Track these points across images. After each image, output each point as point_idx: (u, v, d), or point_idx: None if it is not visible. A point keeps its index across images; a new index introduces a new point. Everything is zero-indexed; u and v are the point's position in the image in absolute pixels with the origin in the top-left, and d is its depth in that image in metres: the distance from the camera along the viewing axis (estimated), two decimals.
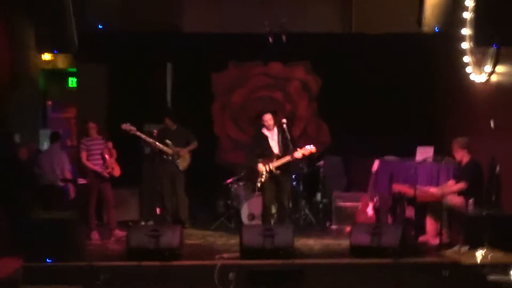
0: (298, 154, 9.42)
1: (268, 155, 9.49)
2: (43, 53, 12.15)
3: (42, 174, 10.88)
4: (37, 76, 13.05)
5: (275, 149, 9.54)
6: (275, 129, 9.62)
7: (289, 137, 9.48)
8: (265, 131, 9.65)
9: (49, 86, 14.52)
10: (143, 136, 10.25)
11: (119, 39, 11.92)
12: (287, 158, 9.40)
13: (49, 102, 14.47)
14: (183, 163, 10.48)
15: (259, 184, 9.55)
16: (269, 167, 9.40)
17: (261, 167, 9.41)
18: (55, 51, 10.83)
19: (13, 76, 10.91)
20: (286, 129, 9.51)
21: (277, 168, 9.44)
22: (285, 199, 9.64)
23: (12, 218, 9.38)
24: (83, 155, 9.95)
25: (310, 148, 9.48)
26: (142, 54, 12.00)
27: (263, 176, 9.44)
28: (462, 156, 9.16)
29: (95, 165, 9.91)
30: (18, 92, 11.23)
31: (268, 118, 9.59)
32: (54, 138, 11.52)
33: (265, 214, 9.70)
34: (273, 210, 10.03)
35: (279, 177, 9.53)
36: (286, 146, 9.43)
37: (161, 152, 10.36)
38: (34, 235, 8.19)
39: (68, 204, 10.92)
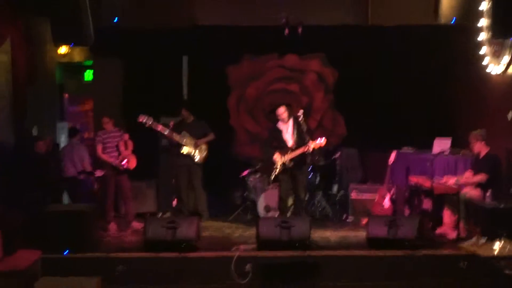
0: (310, 147, 9.41)
1: (283, 148, 9.49)
2: (60, 47, 12.18)
3: (63, 167, 10.96)
4: (53, 70, 13.07)
5: (289, 142, 9.54)
6: (290, 122, 9.60)
7: (305, 128, 9.46)
8: (280, 125, 9.65)
9: (66, 79, 14.56)
10: (160, 127, 10.25)
11: (135, 32, 11.90)
12: (299, 151, 9.40)
13: (66, 95, 14.52)
14: (200, 154, 10.46)
15: (273, 176, 9.56)
16: (283, 159, 9.41)
17: (277, 158, 9.42)
18: (72, 44, 10.84)
19: (30, 70, 10.96)
20: (302, 121, 9.52)
21: (291, 160, 9.43)
22: (301, 191, 9.64)
23: (30, 211, 9.43)
24: (99, 148, 10.00)
25: (319, 142, 9.45)
26: (158, 48, 12.00)
27: (278, 168, 9.45)
28: (479, 148, 9.10)
29: (110, 157, 9.94)
30: (36, 86, 11.28)
31: (282, 111, 9.58)
32: (72, 133, 11.60)
33: (282, 206, 9.70)
34: (290, 202, 10.02)
35: (294, 170, 9.52)
36: (302, 139, 9.42)
37: (178, 143, 10.35)
38: (52, 228, 8.23)
39: (91, 196, 11.02)
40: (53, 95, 13.15)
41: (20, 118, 10.78)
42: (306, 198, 10.31)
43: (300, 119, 9.60)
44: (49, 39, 10.40)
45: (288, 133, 9.59)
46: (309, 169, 10.57)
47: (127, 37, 11.91)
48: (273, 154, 9.49)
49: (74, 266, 8.10)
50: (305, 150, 9.38)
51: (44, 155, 10.38)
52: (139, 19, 11.98)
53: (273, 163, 9.51)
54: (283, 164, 9.44)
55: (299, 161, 9.55)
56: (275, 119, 9.73)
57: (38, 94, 11.52)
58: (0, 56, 10.17)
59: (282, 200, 9.72)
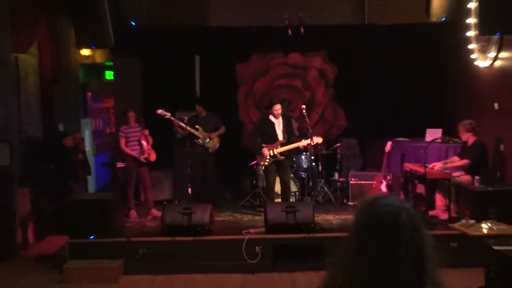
0: (303, 143, 9.49)
1: (273, 141, 9.53)
2: (82, 49, 12.25)
3: None
4: (77, 70, 13.16)
5: (280, 136, 9.58)
6: (280, 118, 9.65)
7: (296, 126, 9.54)
8: (272, 118, 9.68)
9: (89, 79, 14.63)
10: (176, 121, 10.32)
11: (150, 34, 11.97)
12: (292, 146, 9.45)
13: (89, 94, 14.58)
14: (212, 145, 10.53)
15: (263, 167, 9.59)
16: (273, 151, 9.42)
17: (266, 151, 9.46)
18: (93, 47, 10.91)
19: (56, 71, 11.04)
20: (305, 115, 9.59)
21: (281, 154, 9.48)
22: (287, 177, 9.70)
23: (59, 200, 9.54)
24: (122, 141, 10.03)
25: (316, 140, 9.55)
26: (172, 48, 12.05)
27: (267, 160, 9.48)
28: (467, 138, 9.13)
29: (132, 150, 9.99)
30: (61, 85, 11.37)
31: (278, 107, 9.63)
32: None
33: (270, 194, 9.70)
34: (294, 188, 10.09)
35: (281, 161, 9.59)
36: (290, 135, 9.49)
37: (192, 136, 10.41)
38: (79, 215, 8.31)
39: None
40: (77, 94, 13.25)
41: (48, 114, 10.87)
42: (310, 184, 10.40)
43: (303, 112, 9.70)
44: (73, 42, 10.47)
45: (279, 128, 9.64)
46: (312, 158, 10.63)
47: (144, 38, 11.97)
48: (261, 147, 9.50)
49: (99, 250, 8.18)
50: (300, 145, 9.48)
51: (72, 149, 10.48)
52: (155, 21, 12.02)
53: (262, 155, 9.55)
54: (274, 156, 9.47)
55: (287, 155, 9.63)
56: (268, 112, 9.76)
57: (63, 93, 11.62)
58: (28, 58, 10.26)
59: (270, 190, 9.75)
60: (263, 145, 9.53)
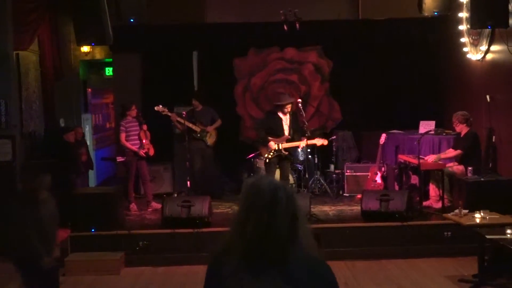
0: (306, 142, 9.44)
1: (279, 135, 9.45)
2: (82, 46, 12.21)
3: None
4: (77, 67, 13.15)
5: (286, 131, 9.49)
6: (288, 115, 9.57)
7: (304, 115, 9.47)
8: (280, 114, 9.58)
9: (89, 75, 14.59)
10: (174, 115, 10.30)
11: (149, 31, 11.92)
12: (297, 144, 9.39)
13: (89, 90, 14.56)
14: (210, 139, 10.52)
15: (267, 160, 9.51)
16: (279, 146, 9.35)
17: (272, 145, 9.36)
18: (93, 44, 10.88)
19: (57, 68, 11.02)
20: (301, 109, 9.52)
21: (286, 149, 9.43)
22: (287, 172, 9.67)
23: (61, 194, 9.52)
24: (122, 136, 9.94)
25: (322, 141, 9.51)
26: (171, 44, 12.01)
27: (271, 153, 9.38)
28: (461, 129, 9.14)
29: (133, 145, 9.95)
30: (62, 82, 11.35)
31: (289, 105, 9.48)
32: None
33: None
34: (291, 180, 10.08)
35: (284, 156, 9.54)
36: (296, 131, 9.43)
37: (190, 130, 10.40)
38: (80, 208, 8.30)
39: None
40: (78, 90, 13.24)
41: (49, 110, 10.86)
42: (306, 176, 10.39)
43: (300, 106, 9.61)
44: (73, 39, 10.45)
45: (286, 124, 9.53)
46: (309, 151, 10.62)
47: (143, 35, 11.92)
48: (268, 140, 9.37)
49: (100, 242, 8.18)
50: (303, 144, 9.42)
51: (73, 144, 10.46)
52: (154, 18, 11.98)
53: (267, 148, 9.45)
54: (279, 150, 9.37)
55: (290, 150, 9.60)
56: (278, 108, 9.63)
57: (64, 89, 11.61)
58: (29, 55, 10.24)
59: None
60: (270, 138, 9.42)
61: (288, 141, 9.39)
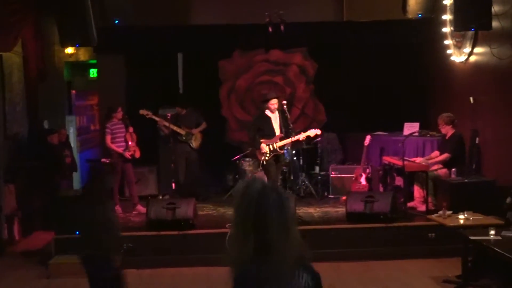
0: (302, 136, 9.38)
1: (271, 135, 9.37)
2: (66, 47, 12.13)
3: None
4: (62, 68, 13.07)
5: (277, 130, 9.41)
6: (277, 113, 9.49)
7: (289, 117, 9.44)
8: (268, 112, 9.53)
9: (73, 77, 14.50)
10: (159, 119, 10.28)
11: (134, 32, 11.87)
12: (291, 139, 9.29)
13: (73, 91, 14.46)
14: (195, 142, 10.51)
15: (264, 163, 9.43)
16: (273, 146, 9.26)
17: (264, 147, 9.30)
18: (77, 45, 10.80)
19: (40, 69, 10.94)
20: (286, 110, 9.46)
21: (281, 148, 9.36)
22: (279, 171, 9.63)
23: (44, 196, 9.46)
24: (108, 138, 9.85)
25: (315, 131, 9.44)
26: (155, 46, 11.97)
27: (267, 155, 9.30)
28: (447, 130, 9.18)
29: (118, 147, 9.87)
30: (46, 83, 11.27)
31: (274, 102, 9.36)
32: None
33: None
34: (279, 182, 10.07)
35: (279, 155, 9.50)
36: (287, 128, 9.37)
37: (175, 133, 10.38)
38: (65, 211, 8.24)
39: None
40: (62, 91, 13.17)
41: (33, 112, 10.78)
42: (291, 178, 10.38)
43: (284, 107, 9.55)
44: (57, 40, 10.39)
45: (276, 123, 9.46)
46: (294, 152, 10.61)
47: (127, 36, 11.86)
48: (259, 143, 9.28)
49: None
50: (298, 138, 9.36)
51: (57, 146, 10.39)
52: (138, 20, 11.94)
53: (261, 151, 9.36)
54: (274, 150, 9.30)
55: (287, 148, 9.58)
56: (264, 107, 9.57)
57: (48, 90, 11.53)
58: (12, 57, 10.17)
59: (274, 183, 9.65)
60: (262, 140, 9.34)
61: (281, 139, 9.30)
